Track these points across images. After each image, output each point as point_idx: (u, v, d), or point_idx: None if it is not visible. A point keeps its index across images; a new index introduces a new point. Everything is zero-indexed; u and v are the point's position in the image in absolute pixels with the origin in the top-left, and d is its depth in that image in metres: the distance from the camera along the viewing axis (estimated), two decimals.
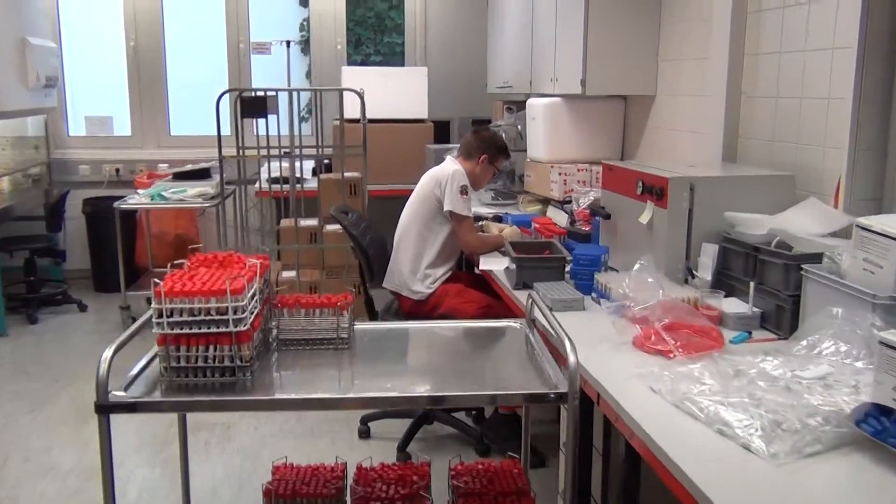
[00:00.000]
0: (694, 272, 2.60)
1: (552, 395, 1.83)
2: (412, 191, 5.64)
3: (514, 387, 1.95)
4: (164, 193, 5.32)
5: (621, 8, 3.89)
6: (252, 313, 1.94)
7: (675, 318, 2.17)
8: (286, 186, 4.97)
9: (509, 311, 3.25)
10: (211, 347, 1.89)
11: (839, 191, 2.57)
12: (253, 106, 4.60)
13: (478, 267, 3.40)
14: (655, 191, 2.65)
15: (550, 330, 1.99)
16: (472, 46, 6.65)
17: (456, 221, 3.44)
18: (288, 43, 5.63)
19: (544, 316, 2.08)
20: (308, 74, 6.97)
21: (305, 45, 7.05)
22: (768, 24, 3.00)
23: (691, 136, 3.60)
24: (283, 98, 4.88)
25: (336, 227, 4.98)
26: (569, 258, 2.85)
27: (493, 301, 3.37)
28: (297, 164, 4.99)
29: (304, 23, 7.15)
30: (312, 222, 5.09)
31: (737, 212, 2.58)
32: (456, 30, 6.78)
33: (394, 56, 7.39)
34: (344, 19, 6.82)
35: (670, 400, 1.80)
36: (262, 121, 4.67)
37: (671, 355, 2.06)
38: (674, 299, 2.21)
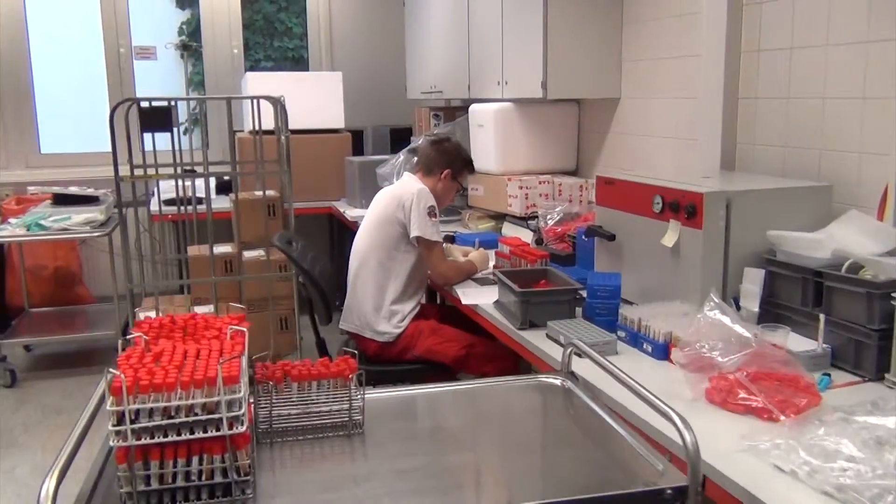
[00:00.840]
0: (737, 302, 2.24)
1: (668, 492, 1.39)
2: (334, 209, 5.17)
3: (612, 483, 1.49)
4: (42, 222, 4.52)
5: (582, 5, 3.52)
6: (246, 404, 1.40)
7: (758, 366, 1.78)
8: (190, 208, 4.33)
9: (499, 350, 2.81)
10: (196, 459, 1.34)
11: (885, 201, 2.28)
12: (154, 118, 3.92)
13: (454, 300, 2.93)
14: (686, 208, 2.27)
15: (610, 390, 1.56)
16: (384, 50, 6.18)
17: (425, 248, 2.96)
18: (186, 46, 4.95)
19: (598, 363, 1.64)
20: (200, 82, 6.26)
21: (184, 49, 6.34)
22: (771, 17, 2.70)
23: (672, 142, 3.28)
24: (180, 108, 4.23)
25: (255, 253, 4.38)
26: (580, 289, 2.43)
27: (473, 339, 2.92)
28: (194, 183, 4.37)
29: (183, 26, 6.47)
30: (226, 249, 4.46)
31: (778, 229, 2.25)
32: (365, 32, 6.27)
33: (285, 61, 6.83)
34: (240, 21, 6.18)
35: (816, 486, 1.40)
36: (152, 135, 3.98)
37: (774, 417, 1.67)
38: (763, 342, 1.82)
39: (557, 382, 1.93)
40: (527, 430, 1.79)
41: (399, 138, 5.74)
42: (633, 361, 2.08)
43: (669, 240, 2.35)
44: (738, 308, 2.21)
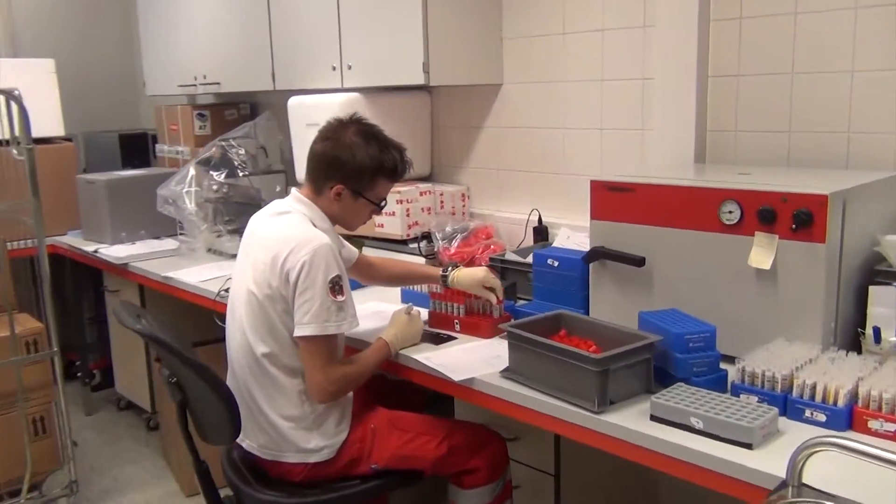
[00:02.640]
0: (862, 331, 1.73)
1: None
2: (62, 248, 3.72)
3: None
4: None
5: None
6: None
7: None
8: None
9: (481, 433, 2.03)
10: None
11: None
12: None
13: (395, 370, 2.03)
14: (796, 216, 1.69)
15: None
16: (100, 37, 4.77)
17: (310, 348, 1.89)
18: None
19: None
20: None
21: None
22: None
23: (595, 134, 2.70)
24: None
25: None
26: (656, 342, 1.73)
27: (447, 424, 2.05)
28: None
29: None
30: None
31: (884, 233, 1.79)
32: (62, 12, 4.78)
33: None
34: None
35: None
36: None
37: None
38: None
39: None
40: None
41: (136, 148, 4.45)
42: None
43: (762, 260, 1.75)
44: (878, 339, 1.70)
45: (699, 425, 1.50)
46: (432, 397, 2.33)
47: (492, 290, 2.13)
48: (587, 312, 2.21)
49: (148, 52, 4.30)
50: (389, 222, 2.87)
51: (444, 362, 1.96)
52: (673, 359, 1.70)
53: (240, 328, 1.96)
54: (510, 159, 3.00)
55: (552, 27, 2.76)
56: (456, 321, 2.19)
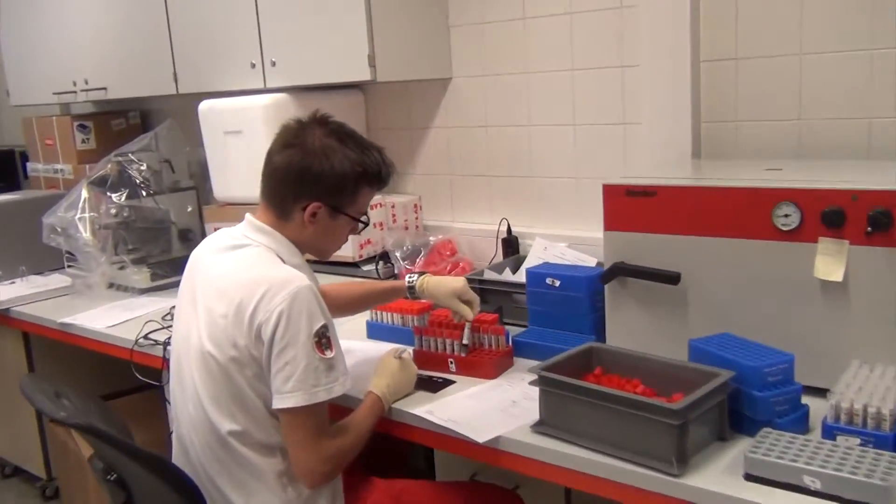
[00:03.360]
0: None
1: None
2: None
3: None
4: None
5: None
6: None
7: None
8: None
9: (499, 495, 1.69)
10: None
11: None
12: None
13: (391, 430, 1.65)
14: (873, 218, 1.44)
15: None
16: None
17: (295, 427, 1.48)
18: None
19: None
20: None
21: None
22: None
23: (568, 132, 2.40)
24: None
25: None
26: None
27: (462, 490, 1.70)
28: None
29: None
30: None
31: None
32: None
33: None
34: None
35: None
36: None
37: None
38: None
39: None
40: None
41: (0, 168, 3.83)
42: None
43: (831, 270, 1.50)
44: None
45: (815, 485, 1.22)
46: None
47: (468, 304, 1.80)
48: (600, 339, 1.91)
49: (11, 55, 3.67)
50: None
51: (453, 417, 1.60)
52: (749, 398, 1.42)
53: (194, 400, 1.53)
54: (465, 163, 2.66)
55: (509, 11, 2.44)
56: (451, 360, 1.84)
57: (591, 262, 2.27)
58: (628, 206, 1.73)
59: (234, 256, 1.58)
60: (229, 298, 1.48)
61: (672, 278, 1.67)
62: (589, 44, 2.31)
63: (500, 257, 2.48)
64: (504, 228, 2.48)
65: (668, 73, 2.12)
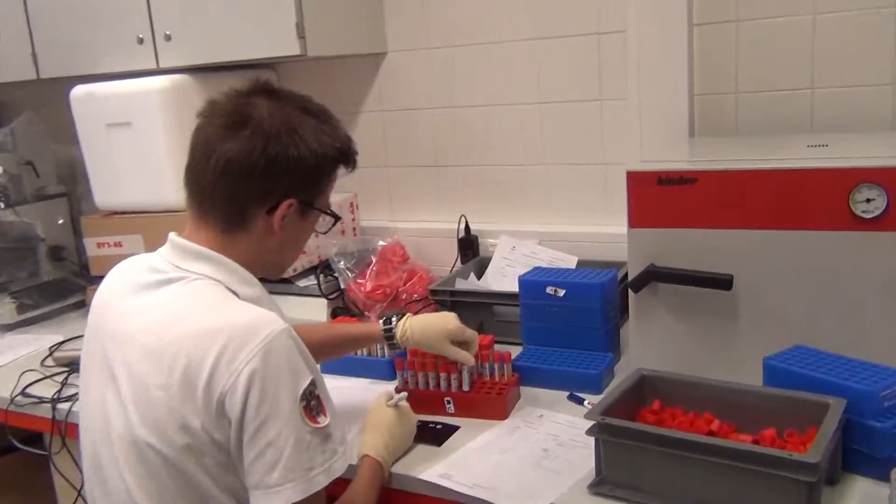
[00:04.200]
0: None
1: None
2: None
3: None
4: None
5: None
6: None
7: None
8: None
9: None
10: None
11: None
12: None
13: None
14: None
15: None
16: None
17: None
18: None
19: None
20: None
21: None
22: None
23: (544, 110, 2.07)
24: None
25: None
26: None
27: None
28: None
29: None
30: None
31: None
32: None
33: None
34: None
35: None
36: None
37: None
38: None
39: None
40: None
41: None
42: None
43: None
44: None
45: None
46: None
47: (465, 345, 1.45)
48: (615, 358, 1.61)
49: None
50: None
51: (480, 481, 1.23)
52: (865, 430, 1.13)
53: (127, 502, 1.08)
54: (406, 152, 2.27)
55: None
56: (448, 400, 1.46)
57: (572, 261, 1.96)
58: (660, 196, 1.42)
59: (164, 298, 1.12)
60: (169, 362, 1.04)
61: (723, 282, 1.37)
62: (557, 6, 1.97)
63: (458, 262, 2.12)
64: (462, 227, 2.12)
65: (660, 38, 1.82)
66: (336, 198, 2.18)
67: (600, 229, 2.01)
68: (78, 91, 2.19)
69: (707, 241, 1.39)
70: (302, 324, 1.40)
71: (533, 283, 1.64)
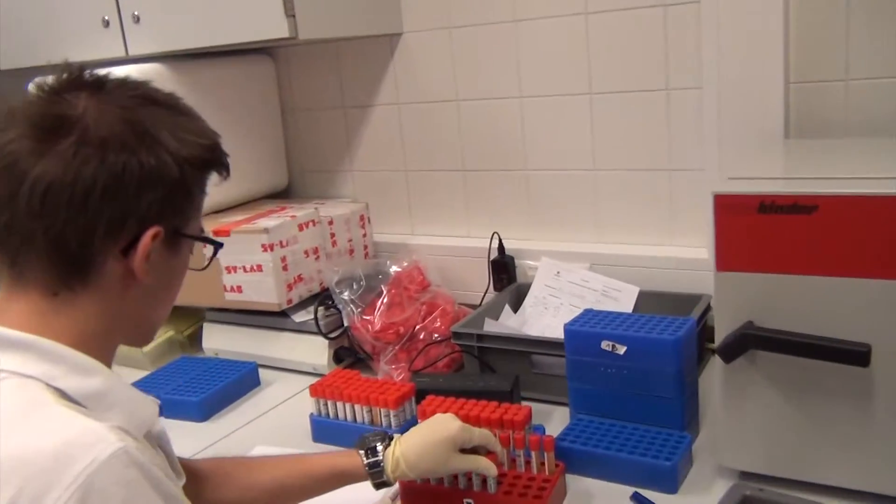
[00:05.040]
0: None
1: None
2: None
3: None
4: None
5: None
6: None
7: None
8: None
9: None
10: None
11: None
12: None
13: None
14: None
15: None
16: None
17: None
18: None
19: None
20: None
21: None
22: None
23: (594, 101, 1.67)
24: None
25: None
26: None
27: None
28: None
29: None
30: None
31: None
32: None
33: None
34: None
35: None
36: None
37: None
38: None
39: None
40: None
41: None
42: None
43: None
44: None
45: None
46: None
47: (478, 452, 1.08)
48: (692, 437, 1.23)
49: None
50: (254, 283, 1.65)
51: None
52: None
53: None
54: (427, 153, 1.90)
55: None
56: (468, 502, 1.09)
57: (632, 292, 1.58)
58: (761, 229, 1.02)
59: None
60: None
61: (856, 355, 0.97)
62: None
63: (490, 288, 1.74)
64: (495, 246, 1.74)
65: (746, 7, 1.41)
66: (341, 210, 1.83)
67: (664, 252, 1.62)
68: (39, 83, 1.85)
69: (830, 293, 0.99)
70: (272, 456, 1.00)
71: (583, 334, 1.25)
